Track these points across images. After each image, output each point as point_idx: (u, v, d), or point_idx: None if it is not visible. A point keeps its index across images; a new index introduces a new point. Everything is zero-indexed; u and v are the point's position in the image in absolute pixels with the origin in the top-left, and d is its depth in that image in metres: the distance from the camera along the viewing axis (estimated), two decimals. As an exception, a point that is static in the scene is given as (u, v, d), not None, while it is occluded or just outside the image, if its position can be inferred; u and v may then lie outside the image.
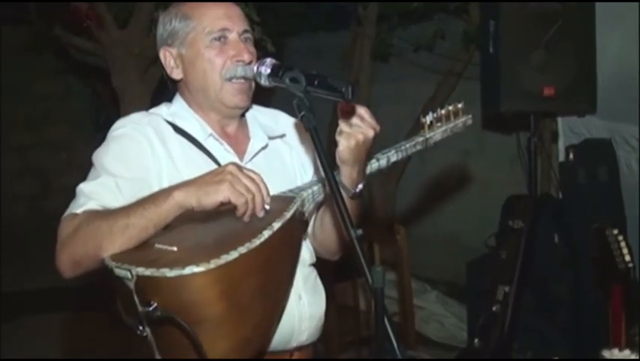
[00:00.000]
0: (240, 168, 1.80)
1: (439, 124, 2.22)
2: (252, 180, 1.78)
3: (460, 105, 2.26)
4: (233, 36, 2.08)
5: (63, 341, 5.22)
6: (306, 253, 2.18)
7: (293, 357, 2.14)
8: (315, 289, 2.21)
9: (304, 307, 2.12)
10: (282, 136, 2.28)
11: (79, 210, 1.84)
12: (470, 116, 2.30)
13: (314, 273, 2.24)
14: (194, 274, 1.61)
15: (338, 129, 1.93)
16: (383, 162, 2.17)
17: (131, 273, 1.63)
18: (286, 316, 2.03)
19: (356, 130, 1.93)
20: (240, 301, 1.71)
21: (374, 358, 1.54)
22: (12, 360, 4.77)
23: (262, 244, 1.72)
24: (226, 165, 1.81)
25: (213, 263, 1.62)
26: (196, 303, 1.65)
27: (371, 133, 1.94)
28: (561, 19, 3.95)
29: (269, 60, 1.96)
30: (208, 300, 1.65)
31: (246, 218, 1.78)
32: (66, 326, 5.43)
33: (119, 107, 5.06)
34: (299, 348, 2.15)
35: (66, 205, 1.90)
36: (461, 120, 2.27)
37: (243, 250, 1.67)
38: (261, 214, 1.80)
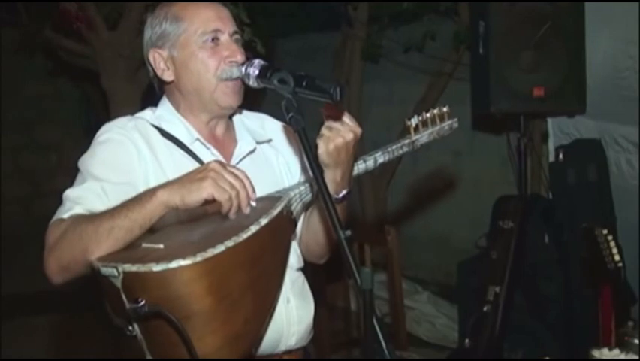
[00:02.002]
0: (223, 165, 1.79)
1: (424, 127, 2.23)
2: (236, 176, 1.77)
3: (445, 109, 2.27)
4: (225, 37, 2.08)
5: (57, 344, 5.21)
6: (294, 258, 2.18)
7: None
8: (304, 294, 2.21)
9: (292, 311, 2.12)
10: (269, 141, 2.28)
11: (65, 216, 1.84)
12: (456, 119, 2.30)
13: (302, 277, 2.24)
14: (180, 268, 1.60)
15: (319, 132, 1.95)
16: (370, 163, 2.18)
17: (117, 270, 1.62)
18: (274, 319, 2.03)
19: (335, 133, 1.94)
20: (229, 295, 1.70)
21: (363, 359, 1.54)
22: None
23: (249, 239, 1.72)
24: (209, 163, 1.79)
25: (200, 256, 1.62)
26: (184, 297, 1.64)
27: (350, 136, 1.95)
28: (551, 20, 3.97)
29: (257, 61, 1.97)
30: (196, 294, 1.65)
31: (232, 215, 1.77)
32: (59, 329, 5.42)
33: (109, 109, 5.06)
34: (288, 352, 2.14)
35: (56, 207, 1.90)
36: (447, 124, 2.28)
37: (229, 243, 1.67)
38: (246, 210, 1.79)
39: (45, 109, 9.01)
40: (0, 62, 8.07)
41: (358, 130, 1.97)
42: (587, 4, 4.08)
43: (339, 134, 1.94)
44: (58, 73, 7.99)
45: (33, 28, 5.30)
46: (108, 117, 2.19)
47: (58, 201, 1.92)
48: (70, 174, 2.02)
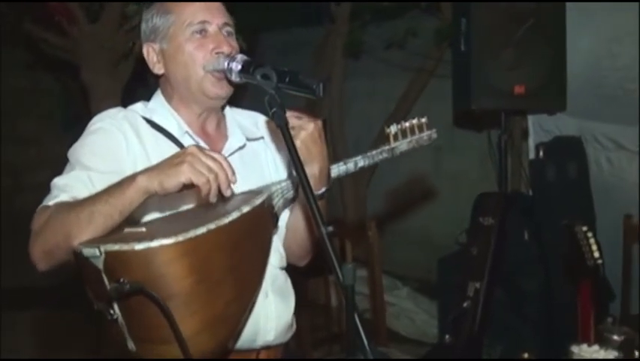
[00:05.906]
0: (200, 149, 1.78)
1: (403, 136, 2.28)
2: (214, 159, 1.76)
3: (423, 120, 2.31)
4: (212, 29, 2.08)
5: (39, 339, 5.19)
6: (276, 257, 2.18)
7: (260, 357, 2.14)
8: (284, 292, 2.21)
9: (271, 306, 2.12)
10: (261, 138, 2.28)
11: (51, 203, 1.85)
12: (435, 130, 2.35)
13: (284, 276, 2.24)
14: (162, 247, 1.62)
15: None
16: (350, 166, 2.23)
17: (99, 250, 1.63)
18: (252, 312, 2.03)
19: (297, 130, 1.98)
20: (210, 277, 1.72)
21: (345, 356, 1.54)
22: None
23: (231, 224, 1.74)
24: (187, 148, 1.80)
25: (182, 236, 1.64)
26: (165, 277, 1.65)
27: (311, 126, 2.00)
28: (532, 18, 3.99)
29: (240, 56, 1.97)
30: (177, 274, 1.66)
31: (212, 198, 1.76)
32: (40, 324, 5.39)
33: (88, 102, 5.02)
34: (266, 348, 2.14)
35: (36, 201, 1.90)
36: (426, 134, 2.33)
37: (211, 226, 1.69)
38: (227, 193, 1.78)
39: (24, 102, 8.91)
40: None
41: (316, 119, 2.02)
42: (568, 2, 4.10)
43: (301, 128, 1.99)
44: (37, 66, 7.92)
45: (13, 19, 5.24)
46: (88, 111, 2.19)
47: (38, 195, 1.91)
48: (50, 168, 2.01)
